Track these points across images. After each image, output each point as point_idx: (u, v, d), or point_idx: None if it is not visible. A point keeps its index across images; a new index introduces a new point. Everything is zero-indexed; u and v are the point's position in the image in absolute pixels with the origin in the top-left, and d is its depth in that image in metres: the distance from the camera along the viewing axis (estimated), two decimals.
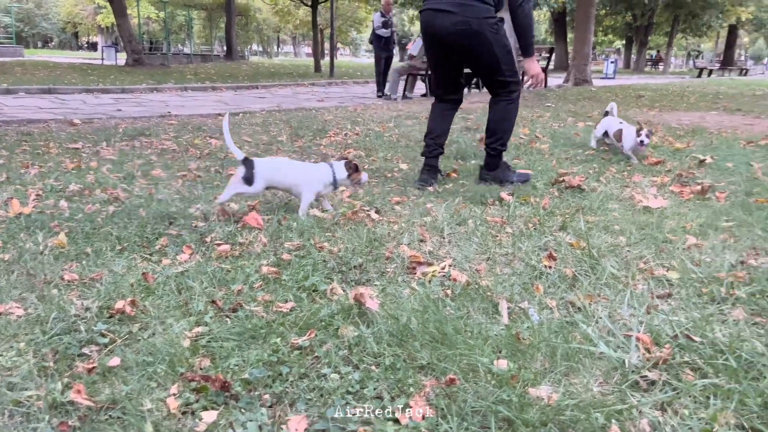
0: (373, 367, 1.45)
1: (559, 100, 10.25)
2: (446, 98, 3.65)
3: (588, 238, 2.48)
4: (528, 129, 6.05)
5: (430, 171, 3.62)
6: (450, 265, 2.21)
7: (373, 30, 11.43)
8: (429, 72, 10.63)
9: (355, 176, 2.95)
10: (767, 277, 2.07)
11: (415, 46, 10.88)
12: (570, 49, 20.94)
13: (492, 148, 3.55)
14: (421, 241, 2.52)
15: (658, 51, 43.15)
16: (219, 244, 2.40)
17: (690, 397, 1.32)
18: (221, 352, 1.52)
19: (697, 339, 1.55)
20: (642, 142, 4.21)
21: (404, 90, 11.13)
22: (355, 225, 2.68)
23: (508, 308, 1.78)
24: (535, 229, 2.70)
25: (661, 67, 37.25)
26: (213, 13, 32.11)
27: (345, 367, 1.46)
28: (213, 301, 1.81)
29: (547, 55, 13.53)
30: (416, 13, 31.95)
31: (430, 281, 2.05)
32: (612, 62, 23.23)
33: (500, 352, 1.49)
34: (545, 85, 13.51)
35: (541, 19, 53.82)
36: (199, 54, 30.44)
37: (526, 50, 3.41)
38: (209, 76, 15.45)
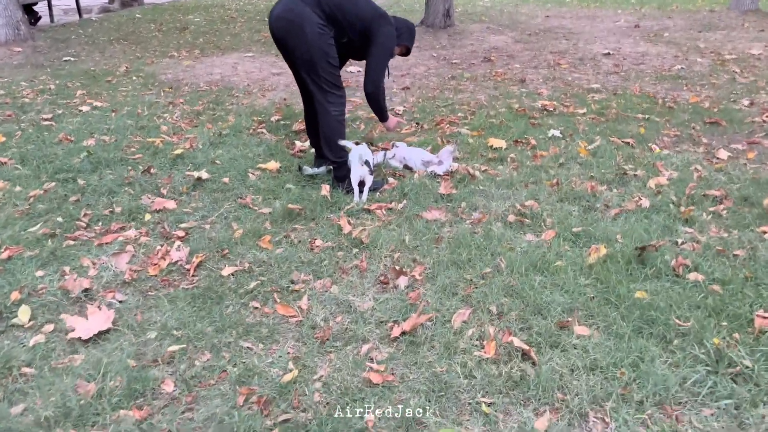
0: None
1: (90, 42, 8.66)
2: (303, 97, 3.80)
3: None
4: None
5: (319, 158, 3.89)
6: None
7: None
8: None
9: None
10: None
11: None
12: None
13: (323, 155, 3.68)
14: None
15: None
16: None
17: None
18: None
19: None
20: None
21: None
22: None
23: None
24: None
25: None
26: None
27: None
28: None
29: None
30: None
31: None
32: None
33: None
34: (50, 20, 11.46)
35: None
36: None
37: (383, 118, 3.82)
38: None
